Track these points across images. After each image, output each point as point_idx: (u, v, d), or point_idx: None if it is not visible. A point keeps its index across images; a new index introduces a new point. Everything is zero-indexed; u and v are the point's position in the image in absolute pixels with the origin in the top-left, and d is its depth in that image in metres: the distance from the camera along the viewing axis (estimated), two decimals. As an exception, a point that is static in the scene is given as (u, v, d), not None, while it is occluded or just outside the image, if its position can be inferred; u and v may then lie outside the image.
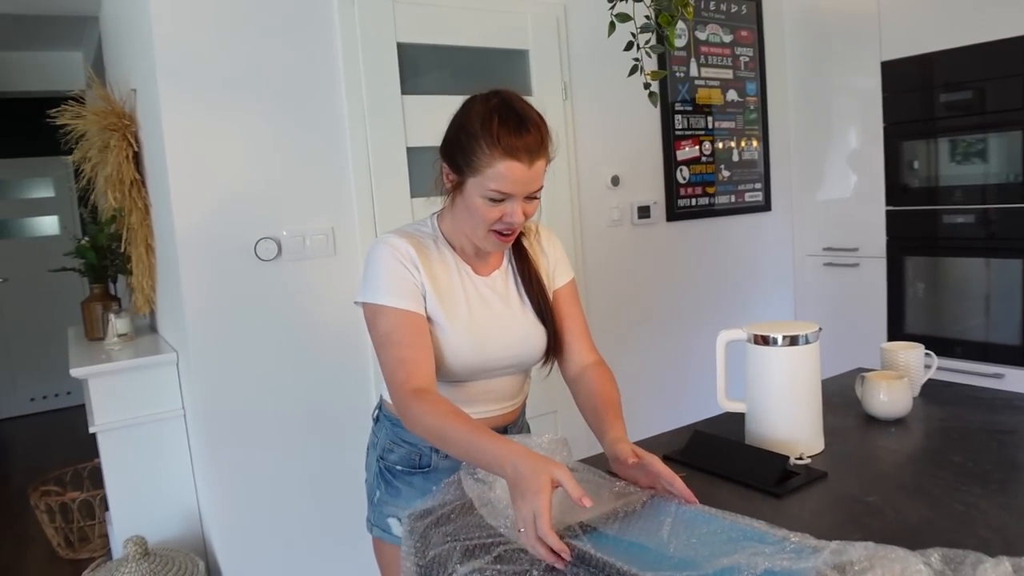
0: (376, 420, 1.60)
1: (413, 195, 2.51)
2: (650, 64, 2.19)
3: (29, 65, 4.96)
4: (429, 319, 1.39)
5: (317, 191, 2.37)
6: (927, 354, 1.73)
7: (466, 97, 1.39)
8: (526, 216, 1.37)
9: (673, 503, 1.16)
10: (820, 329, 1.42)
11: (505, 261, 1.52)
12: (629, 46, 1.89)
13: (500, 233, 1.37)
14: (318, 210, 2.38)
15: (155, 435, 2.43)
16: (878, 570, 0.89)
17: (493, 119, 1.30)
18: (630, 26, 1.86)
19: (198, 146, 2.18)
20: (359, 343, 2.43)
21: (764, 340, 1.41)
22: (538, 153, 1.31)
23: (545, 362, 1.54)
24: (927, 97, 3.13)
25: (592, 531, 1.09)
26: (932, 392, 1.72)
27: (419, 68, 2.56)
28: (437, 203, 1.49)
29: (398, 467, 1.51)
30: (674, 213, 3.26)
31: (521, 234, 1.53)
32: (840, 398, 1.71)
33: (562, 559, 1.03)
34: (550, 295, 1.54)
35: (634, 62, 1.88)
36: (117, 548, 2.40)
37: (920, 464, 1.33)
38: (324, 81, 2.36)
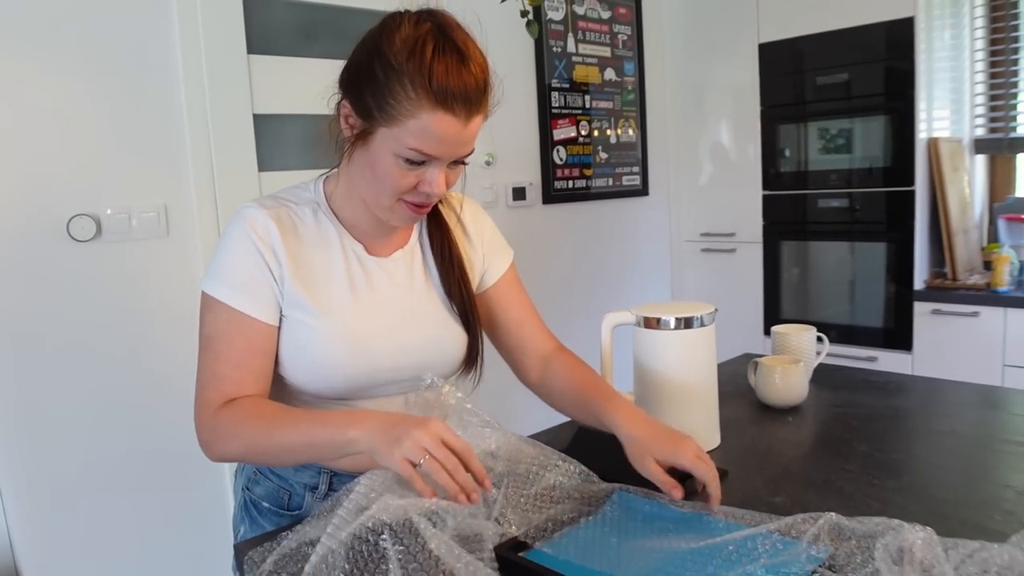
0: None
1: (262, 169, 2.23)
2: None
3: None
4: (286, 316, 1.08)
5: (147, 162, 2.04)
6: (819, 337, 1.63)
7: (386, 14, 1.02)
8: (448, 185, 1.06)
9: (640, 502, 1.00)
10: (716, 310, 1.27)
11: (413, 238, 1.19)
12: None
13: (413, 204, 1.06)
14: (148, 184, 2.05)
15: (-54, 451, 2.03)
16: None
17: (425, 49, 0.95)
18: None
19: (-8, 104, 1.82)
20: (195, 339, 2.12)
21: (655, 323, 1.25)
22: (478, 106, 0.99)
23: (466, 371, 1.23)
24: (799, 81, 3.11)
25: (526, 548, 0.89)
26: (823, 377, 1.63)
27: (269, 24, 2.27)
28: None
29: (264, 503, 1.18)
30: (550, 195, 3.10)
31: (439, 202, 1.21)
32: (730, 386, 1.59)
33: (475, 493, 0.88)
34: (474, 285, 1.24)
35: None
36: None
37: (825, 457, 1.20)
38: (155, 35, 2.03)
